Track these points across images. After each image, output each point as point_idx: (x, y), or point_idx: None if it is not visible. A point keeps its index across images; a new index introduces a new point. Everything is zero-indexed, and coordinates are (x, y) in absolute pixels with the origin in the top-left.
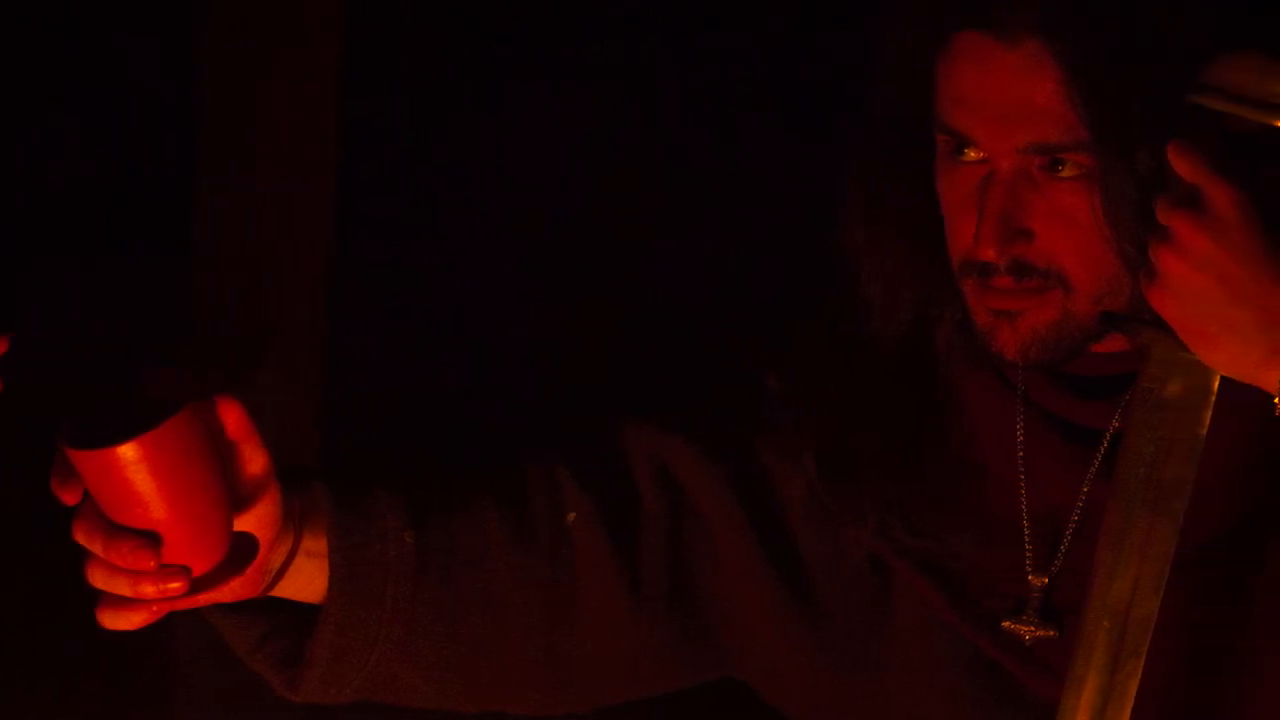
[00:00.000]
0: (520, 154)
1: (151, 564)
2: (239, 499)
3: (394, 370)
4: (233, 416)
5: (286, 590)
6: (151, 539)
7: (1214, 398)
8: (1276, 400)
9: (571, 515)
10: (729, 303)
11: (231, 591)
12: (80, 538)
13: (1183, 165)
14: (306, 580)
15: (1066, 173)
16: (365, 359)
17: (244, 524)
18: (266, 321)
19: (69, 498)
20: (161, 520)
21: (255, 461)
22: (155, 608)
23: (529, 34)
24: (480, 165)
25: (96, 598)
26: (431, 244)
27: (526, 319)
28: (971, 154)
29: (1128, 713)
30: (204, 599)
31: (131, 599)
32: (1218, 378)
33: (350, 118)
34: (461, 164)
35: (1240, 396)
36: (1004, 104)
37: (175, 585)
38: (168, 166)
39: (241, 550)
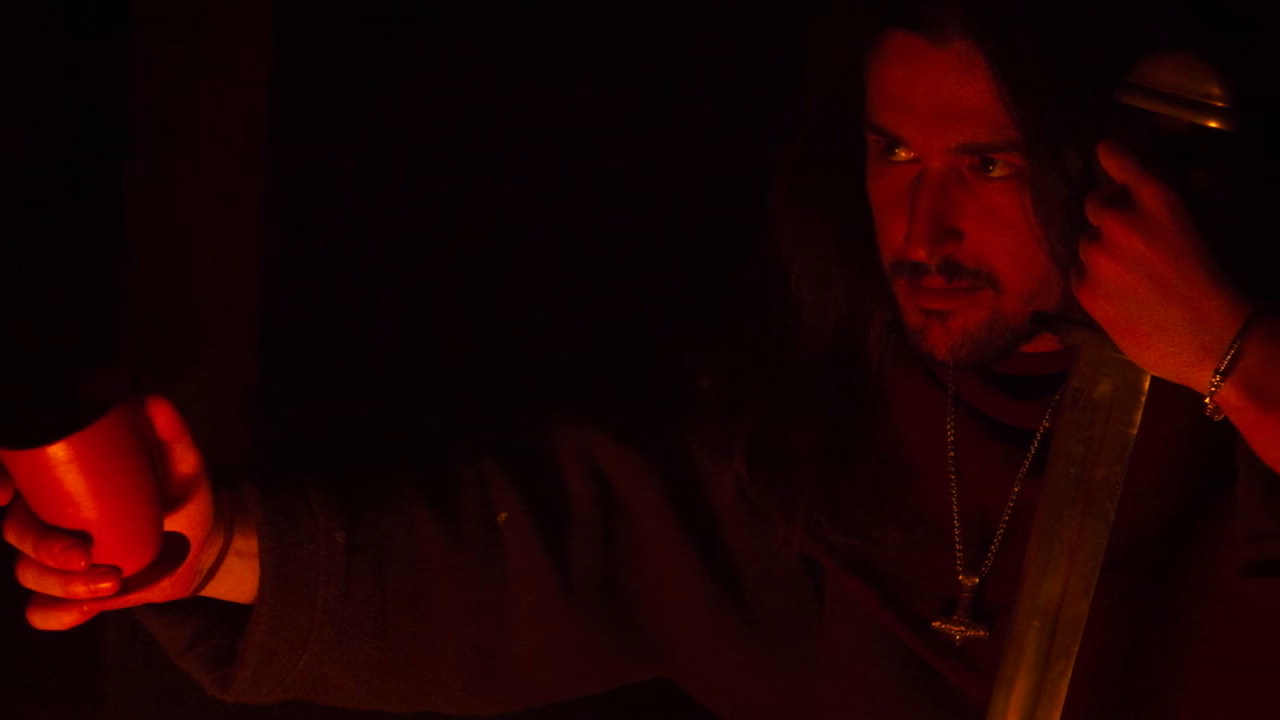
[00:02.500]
0: (463, 151)
1: (82, 564)
2: (170, 499)
3: (328, 370)
4: (163, 416)
5: (217, 590)
6: (82, 539)
7: (1144, 398)
8: (1207, 400)
9: (503, 515)
10: (670, 301)
11: (162, 591)
12: (11, 538)
13: (1113, 165)
14: (237, 580)
15: (997, 173)
16: (298, 358)
17: (175, 524)
18: (198, 321)
19: None
20: (92, 520)
21: (186, 461)
22: (86, 608)
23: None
24: (419, 162)
25: (27, 597)
26: (369, 241)
27: (467, 315)
28: (902, 154)
29: (1058, 713)
30: (135, 599)
31: (62, 599)
32: (1148, 378)
33: (297, 114)
34: (398, 160)
35: (1171, 397)
36: (934, 104)
37: (106, 585)
38: (101, 164)
39: (172, 550)
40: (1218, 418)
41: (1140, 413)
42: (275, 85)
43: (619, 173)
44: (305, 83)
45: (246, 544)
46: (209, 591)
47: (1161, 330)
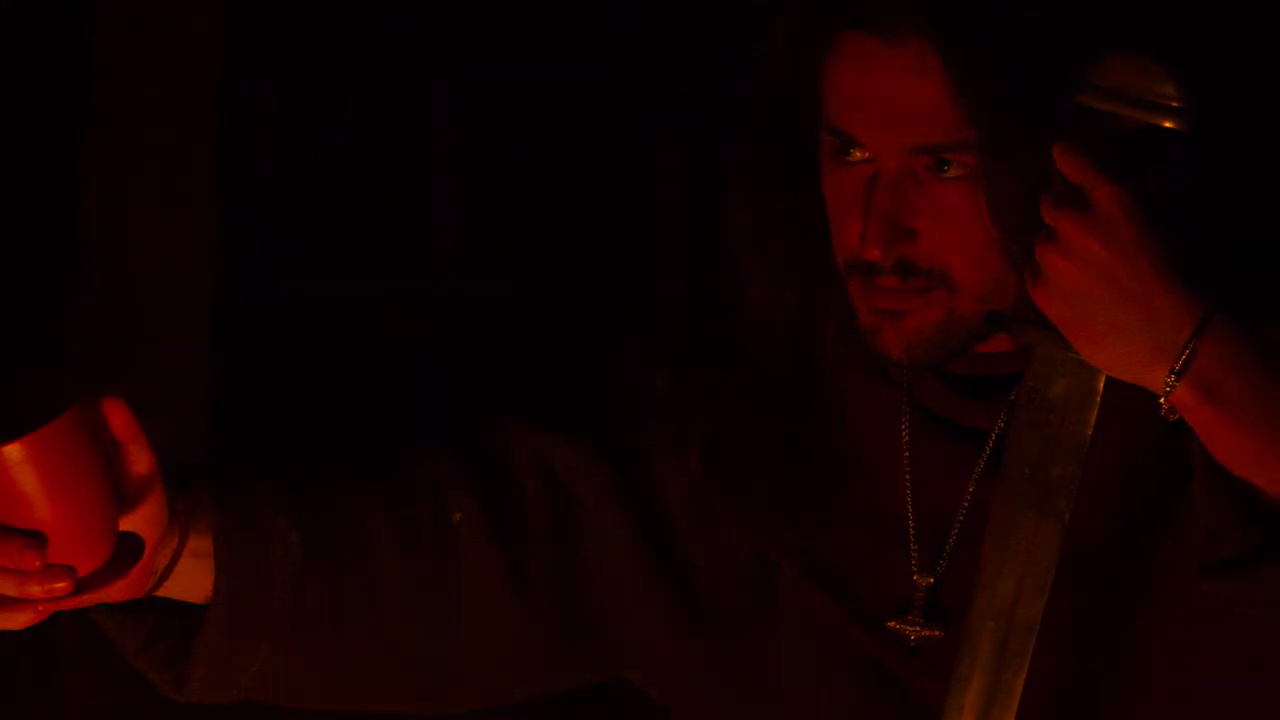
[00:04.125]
0: (412, 149)
1: (37, 564)
2: (125, 499)
3: (283, 369)
4: (118, 416)
5: (173, 590)
6: (37, 539)
7: (1099, 398)
8: (1162, 400)
9: (457, 515)
10: (620, 303)
11: (117, 591)
12: None
13: (1067, 165)
14: (192, 580)
15: (952, 173)
16: (257, 359)
17: (129, 524)
18: (153, 321)
19: None
20: (47, 520)
21: (141, 462)
22: (41, 607)
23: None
24: (391, 157)
25: None
26: (322, 240)
27: (420, 315)
28: (857, 154)
29: (1013, 713)
30: (90, 599)
31: (17, 599)
32: (1103, 378)
33: (269, 109)
34: (367, 156)
35: (1125, 396)
36: (889, 104)
37: (61, 585)
38: (54, 164)
39: (127, 550)
40: (1172, 418)
41: (1095, 413)
42: (246, 81)
43: (614, 171)
44: (280, 78)
45: (201, 544)
46: (164, 592)
47: (1116, 330)
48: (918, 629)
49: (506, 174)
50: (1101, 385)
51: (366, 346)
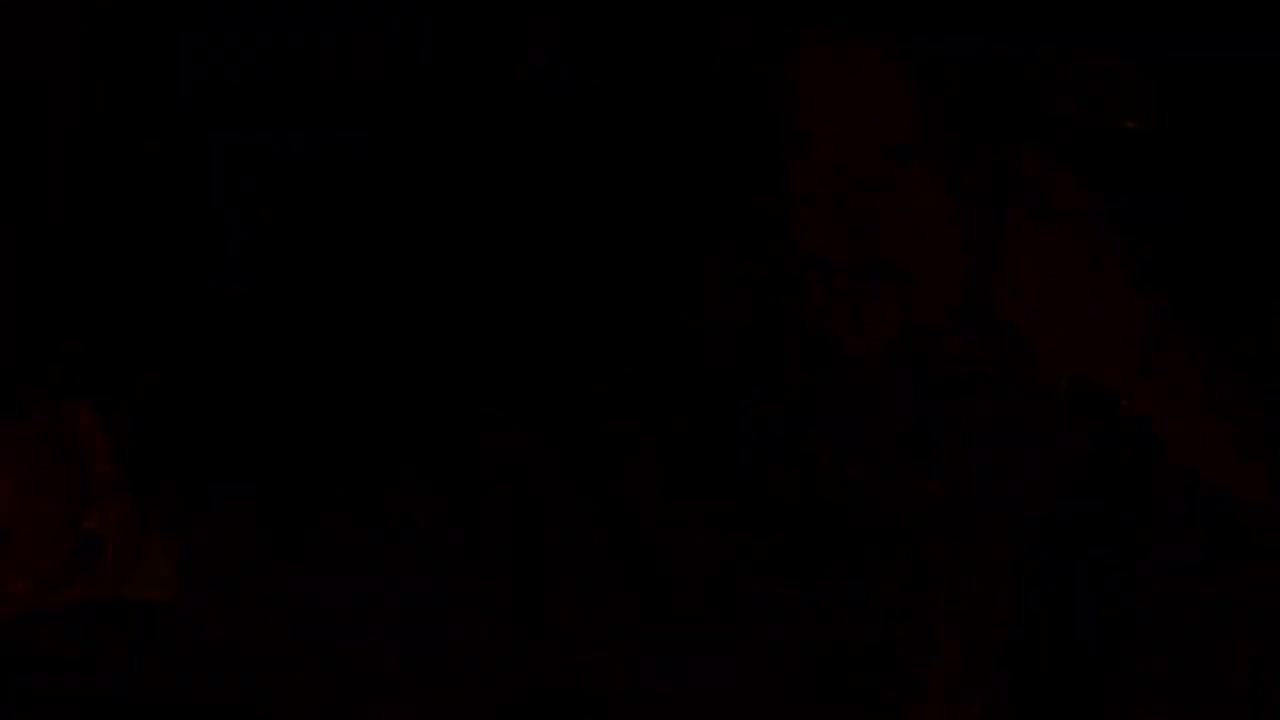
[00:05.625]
0: (398, 145)
1: None
2: (87, 499)
3: (248, 368)
4: (81, 417)
5: (138, 591)
6: None
7: (1062, 396)
8: (1123, 400)
9: (420, 514)
10: (602, 302)
11: (81, 593)
12: None
13: (1030, 165)
14: (157, 580)
15: (915, 173)
16: (216, 357)
17: (93, 525)
18: (121, 321)
19: None
20: (8, 521)
21: (103, 462)
22: (2, 609)
23: None
24: (353, 156)
25: None
26: (306, 238)
27: (403, 313)
28: (820, 154)
29: (979, 712)
30: (52, 601)
31: None
32: (1065, 377)
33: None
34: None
35: (1088, 395)
36: (853, 105)
37: (22, 587)
38: (20, 162)
39: (90, 552)
40: (1134, 416)
41: (1058, 410)
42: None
43: (595, 169)
44: (267, 76)
45: (166, 544)
46: (130, 593)
47: (1078, 329)
48: (881, 629)
49: (485, 171)
50: (1064, 383)
51: (335, 344)
